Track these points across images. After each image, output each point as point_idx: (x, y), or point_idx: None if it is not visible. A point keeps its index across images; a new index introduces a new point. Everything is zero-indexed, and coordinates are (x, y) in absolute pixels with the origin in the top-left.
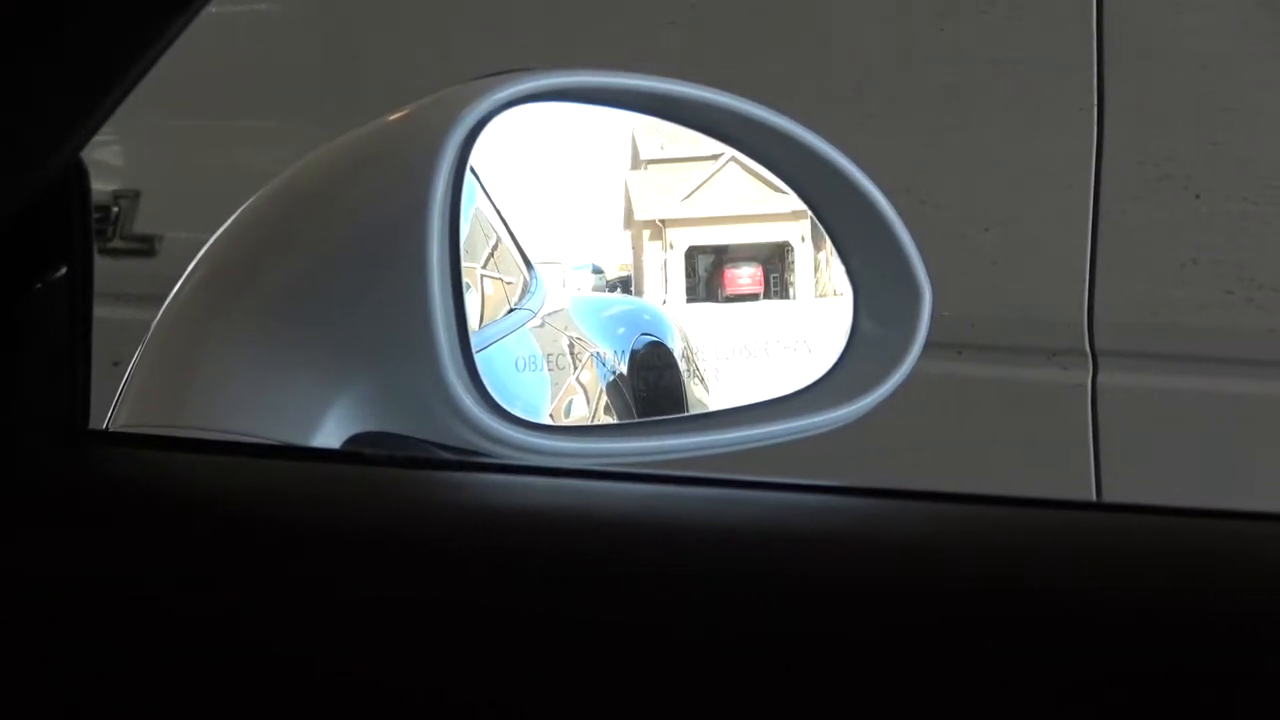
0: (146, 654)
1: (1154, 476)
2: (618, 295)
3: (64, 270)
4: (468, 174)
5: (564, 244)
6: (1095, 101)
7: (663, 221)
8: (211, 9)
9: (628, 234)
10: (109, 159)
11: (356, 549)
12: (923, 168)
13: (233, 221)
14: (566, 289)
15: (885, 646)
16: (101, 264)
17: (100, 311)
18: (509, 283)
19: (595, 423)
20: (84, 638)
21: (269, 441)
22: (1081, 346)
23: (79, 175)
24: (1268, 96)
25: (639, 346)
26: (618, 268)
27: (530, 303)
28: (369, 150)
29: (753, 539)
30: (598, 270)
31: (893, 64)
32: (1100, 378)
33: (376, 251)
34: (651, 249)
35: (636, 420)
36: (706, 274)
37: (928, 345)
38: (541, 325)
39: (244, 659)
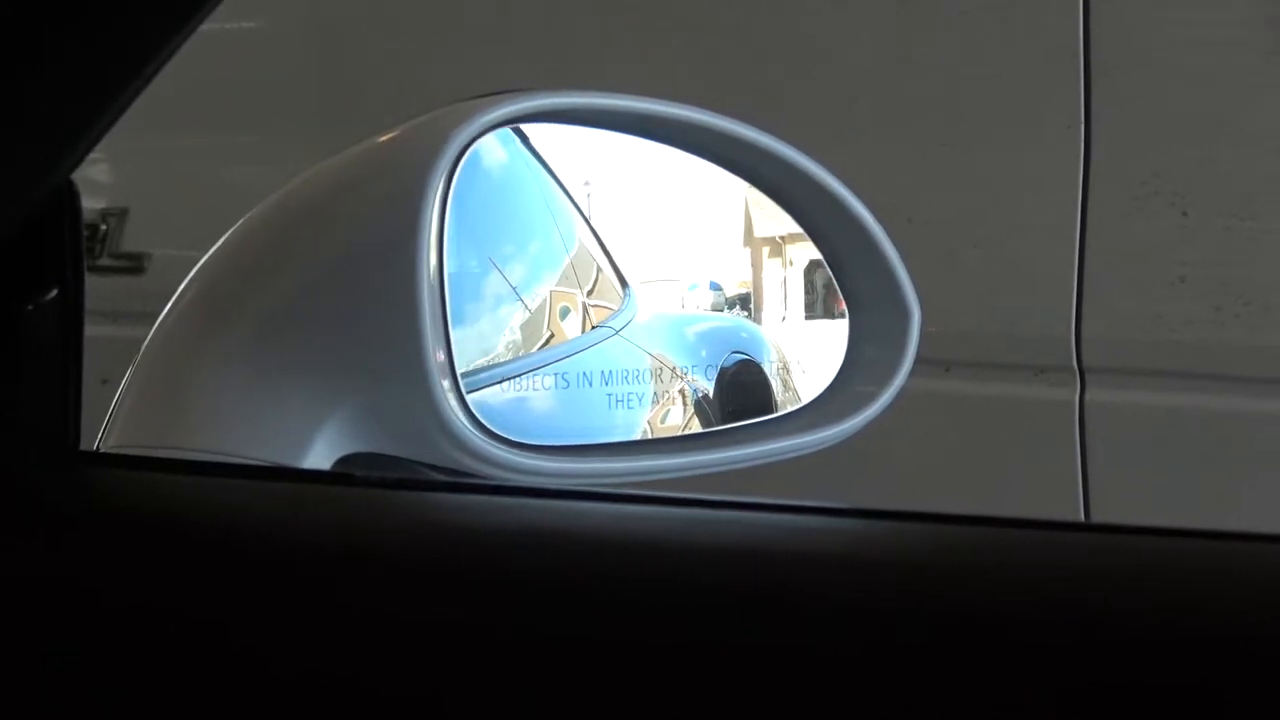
0: (136, 673)
1: (1142, 493)
2: (713, 312)
3: (55, 293)
4: (556, 189)
5: (683, 261)
6: (1083, 118)
7: (782, 238)
8: (200, 25)
9: (747, 251)
10: (97, 176)
11: (346, 569)
12: (911, 185)
13: (223, 242)
14: (663, 306)
15: (874, 665)
16: (89, 282)
17: (88, 329)
18: (595, 302)
19: (587, 443)
20: (76, 657)
21: (259, 462)
22: (1069, 363)
23: (70, 197)
24: (1255, 112)
25: (729, 364)
26: (737, 284)
27: (618, 320)
28: (359, 171)
29: (741, 559)
30: (717, 287)
31: (881, 82)
32: (1088, 394)
33: (367, 273)
34: (771, 266)
35: (628, 440)
36: (825, 290)
37: (916, 362)
38: (628, 342)
39: (233, 678)
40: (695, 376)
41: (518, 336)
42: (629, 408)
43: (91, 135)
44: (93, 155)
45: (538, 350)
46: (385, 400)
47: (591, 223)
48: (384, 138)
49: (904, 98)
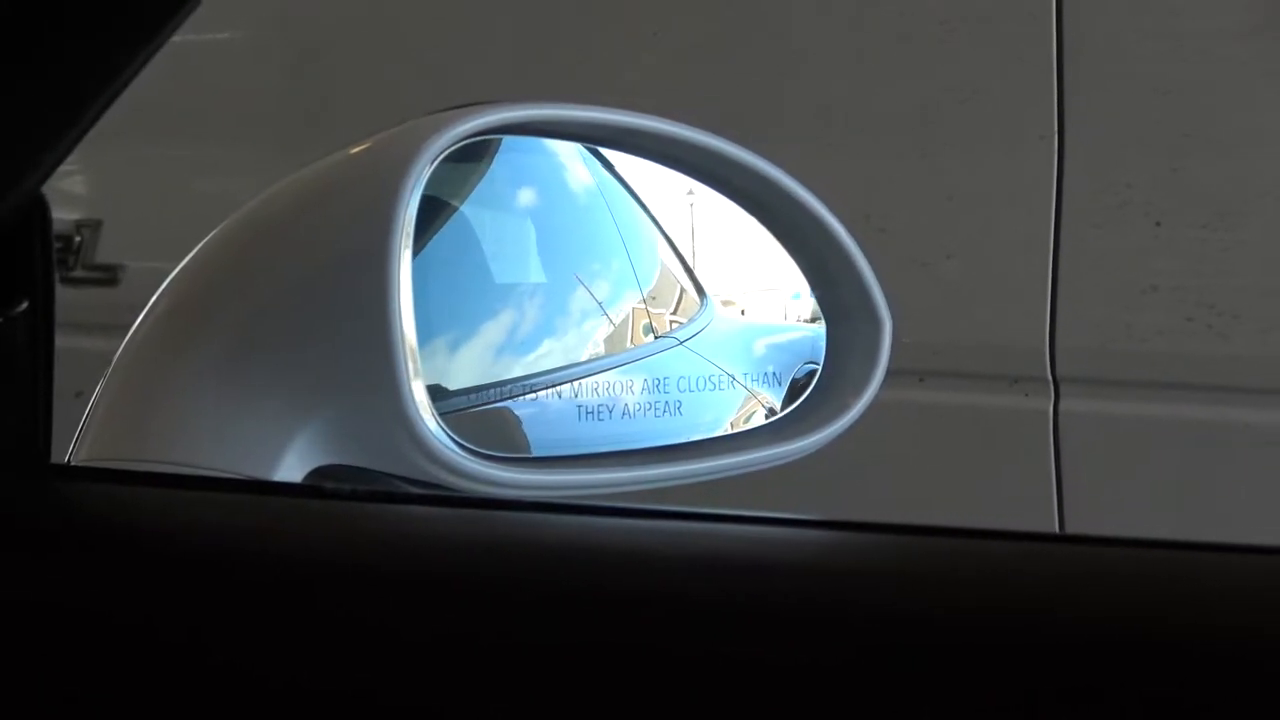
0: (111, 687)
1: (1116, 501)
2: (793, 323)
3: (26, 305)
4: (631, 200)
5: (785, 270)
6: (1055, 129)
7: None
8: (174, 37)
9: None
10: (71, 188)
11: (319, 581)
12: (883, 195)
13: (195, 254)
14: (748, 317)
15: (843, 674)
16: (63, 293)
17: (62, 341)
18: (666, 314)
19: (558, 455)
20: (46, 670)
21: (231, 475)
22: (1043, 373)
23: (40, 209)
24: (1227, 123)
25: (800, 375)
26: None
27: (689, 329)
28: (332, 182)
29: (710, 569)
30: None
31: (855, 92)
32: (1062, 404)
33: (339, 284)
34: None
35: (601, 452)
36: None
37: (890, 373)
38: (692, 353)
39: (208, 689)
40: (761, 387)
41: (579, 347)
42: (680, 415)
43: (63, 146)
44: (67, 166)
45: (593, 359)
46: (357, 413)
47: (670, 236)
48: (357, 149)
49: (878, 108)
